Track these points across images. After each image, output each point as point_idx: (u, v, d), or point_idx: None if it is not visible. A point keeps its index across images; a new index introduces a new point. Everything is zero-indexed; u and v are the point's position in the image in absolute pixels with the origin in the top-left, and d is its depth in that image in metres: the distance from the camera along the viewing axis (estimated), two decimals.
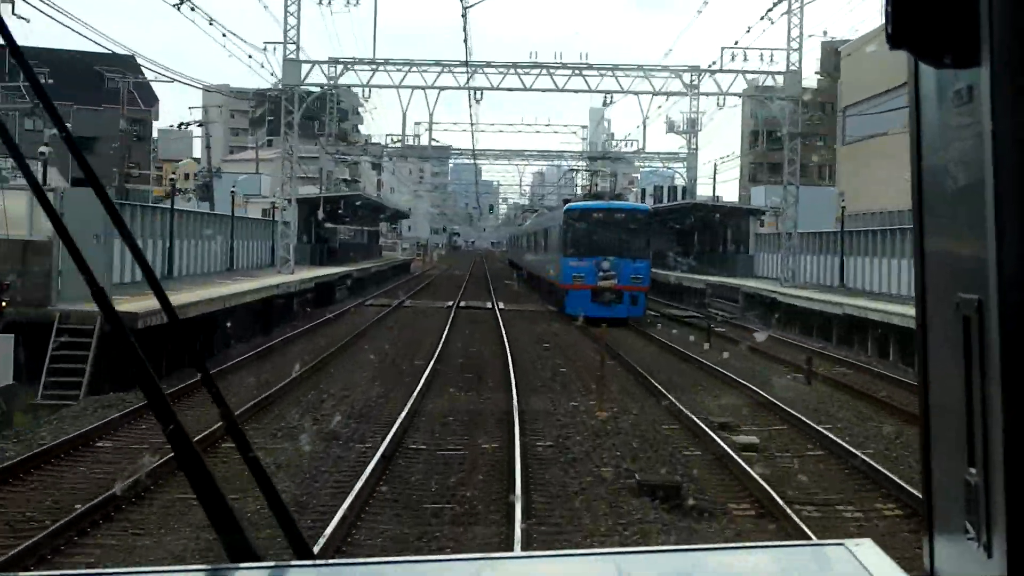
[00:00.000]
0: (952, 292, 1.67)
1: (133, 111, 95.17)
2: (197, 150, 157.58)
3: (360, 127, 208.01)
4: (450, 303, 59.95)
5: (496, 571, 2.18)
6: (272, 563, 2.15)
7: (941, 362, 1.75)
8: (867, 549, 2.05)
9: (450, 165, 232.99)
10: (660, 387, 27.29)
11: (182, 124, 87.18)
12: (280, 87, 53.95)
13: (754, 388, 27.34)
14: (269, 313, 38.61)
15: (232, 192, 63.16)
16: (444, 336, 39.04)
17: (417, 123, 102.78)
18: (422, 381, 27.48)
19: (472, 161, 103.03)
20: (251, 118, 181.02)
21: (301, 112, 55.41)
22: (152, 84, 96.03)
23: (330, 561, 2.80)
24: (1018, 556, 1.52)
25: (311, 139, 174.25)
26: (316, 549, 11.88)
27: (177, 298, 30.62)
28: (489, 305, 59.25)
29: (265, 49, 53.49)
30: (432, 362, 31.26)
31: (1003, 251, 1.53)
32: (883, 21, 1.62)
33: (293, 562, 2.18)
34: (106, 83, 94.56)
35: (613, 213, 49.25)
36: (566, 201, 58.56)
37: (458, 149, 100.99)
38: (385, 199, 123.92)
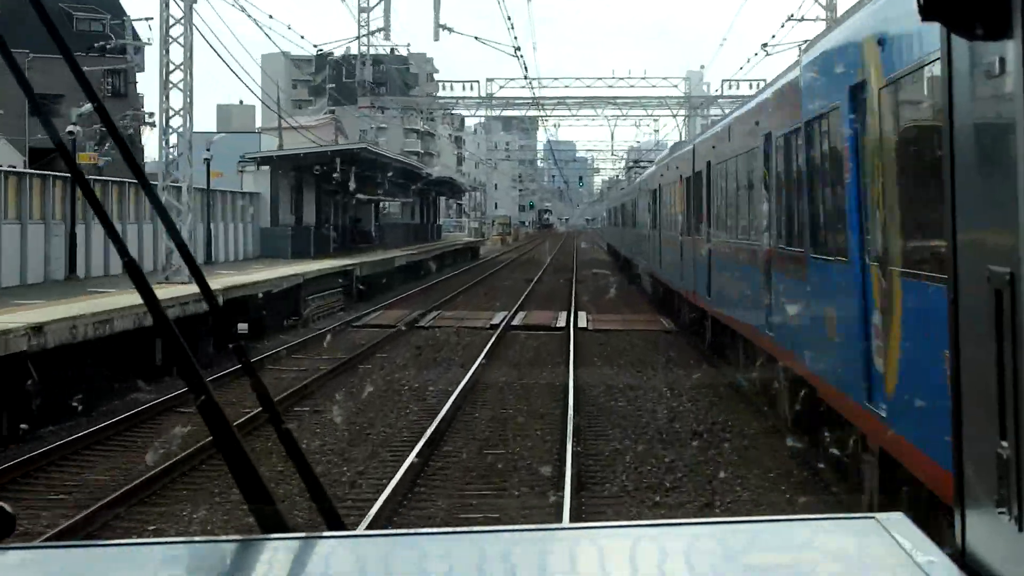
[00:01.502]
0: (984, 265, 1.64)
1: (112, 60, 71.58)
2: (258, 119, 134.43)
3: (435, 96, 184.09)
4: (500, 317, 35.59)
5: (534, 543, 2.12)
6: (303, 534, 2.13)
7: (973, 335, 1.71)
8: (898, 522, 1.97)
9: (539, 139, 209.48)
10: None
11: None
12: None
13: None
14: None
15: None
16: (414, 455, 14.34)
17: (490, 79, 78.38)
18: None
19: (539, 112, 77.70)
20: (311, 86, 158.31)
21: None
22: (138, 29, 72.57)
23: (361, 532, 2.70)
24: None
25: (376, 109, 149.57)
26: None
27: None
28: (561, 323, 34.59)
29: None
30: None
31: None
32: None
33: (325, 533, 2.18)
34: (75, 24, 71.67)
35: None
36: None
37: (520, 98, 75.69)
38: (452, 173, 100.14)
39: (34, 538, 11.16)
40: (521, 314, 37.51)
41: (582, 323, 34.20)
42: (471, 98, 75.49)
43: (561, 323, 34.40)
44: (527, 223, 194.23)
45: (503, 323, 33.87)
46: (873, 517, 2.02)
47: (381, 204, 72.93)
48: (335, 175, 42.82)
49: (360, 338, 30.43)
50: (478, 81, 76.07)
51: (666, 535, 2.14)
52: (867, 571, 1.86)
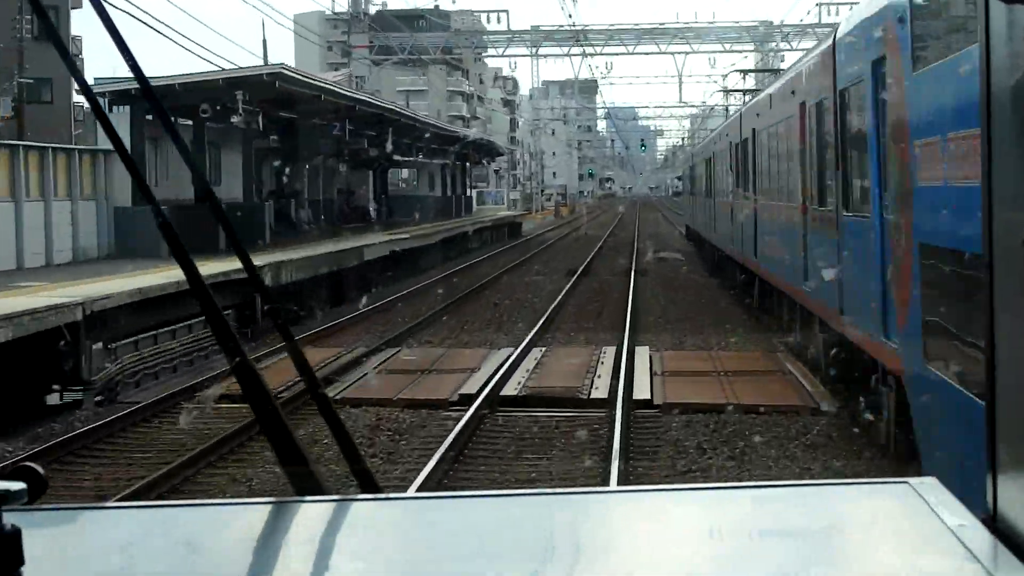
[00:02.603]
0: (1020, 228, 1.63)
1: None
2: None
3: (484, 55, 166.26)
4: (494, 364, 19.17)
5: (570, 507, 2.09)
6: (339, 497, 2.09)
7: (1008, 299, 1.71)
8: (930, 487, 1.96)
9: (599, 101, 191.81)
10: None
11: None
12: None
13: None
14: None
15: None
16: None
17: (535, 26, 61.25)
18: None
19: (583, 49, 59.75)
20: (344, 49, 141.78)
21: None
22: None
23: (396, 495, 2.50)
24: None
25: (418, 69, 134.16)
26: None
27: None
28: (602, 385, 17.52)
29: None
30: None
31: None
32: None
33: (359, 496, 2.15)
34: None
35: None
36: None
37: (562, 28, 58.01)
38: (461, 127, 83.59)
39: None
40: (536, 353, 20.70)
41: (642, 384, 17.25)
42: (500, 33, 58.31)
43: (601, 385, 17.45)
44: (586, 193, 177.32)
45: (489, 386, 16.99)
46: (906, 482, 1.99)
47: (390, 172, 56.13)
48: (236, 118, 25.82)
49: (147, 452, 13.75)
50: (507, 11, 59.04)
51: (698, 499, 2.10)
52: (899, 534, 1.84)
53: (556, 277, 37.11)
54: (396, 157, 48.80)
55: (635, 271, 38.70)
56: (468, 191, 72.17)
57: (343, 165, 46.41)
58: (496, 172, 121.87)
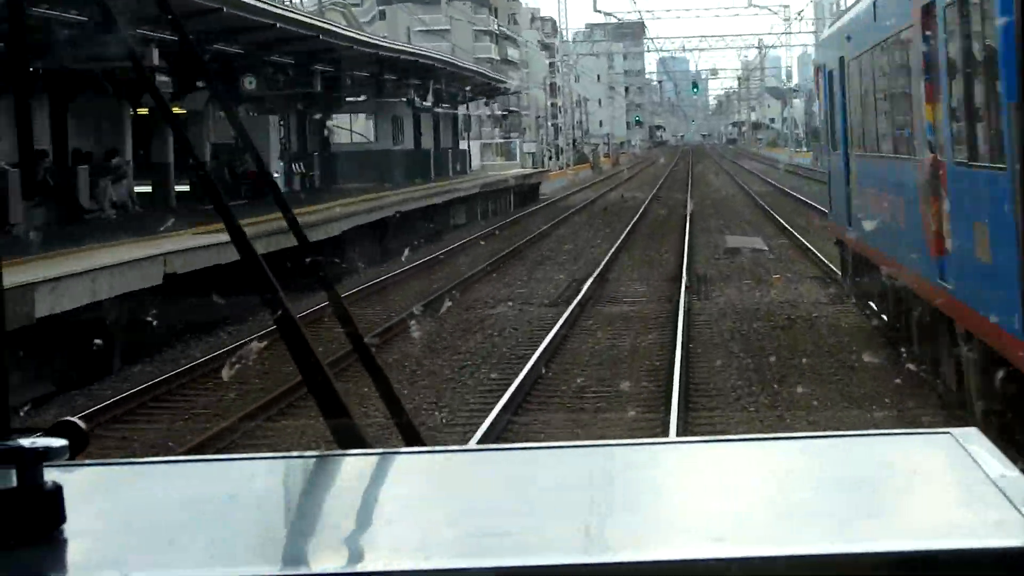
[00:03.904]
0: None
1: None
2: None
3: None
4: None
5: (613, 458, 2.02)
6: (381, 450, 2.05)
7: None
8: (973, 437, 1.92)
9: (646, 47, 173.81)
10: None
11: None
12: None
13: None
14: None
15: None
16: None
17: None
18: None
19: None
20: None
21: None
22: None
23: (439, 448, 2.52)
24: None
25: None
26: None
27: None
28: None
29: None
30: None
31: None
32: None
33: (402, 449, 2.13)
34: None
35: None
36: None
37: None
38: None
39: None
40: None
41: None
42: None
43: None
44: (633, 142, 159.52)
45: None
46: (949, 432, 1.95)
47: (327, 122, 38.15)
48: None
49: None
50: None
51: (745, 449, 2.07)
52: (941, 484, 1.83)
53: (536, 311, 19.14)
54: (317, 92, 30.86)
55: (687, 285, 20.80)
56: (463, 143, 53.71)
57: (220, 111, 28.63)
58: (537, 119, 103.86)
